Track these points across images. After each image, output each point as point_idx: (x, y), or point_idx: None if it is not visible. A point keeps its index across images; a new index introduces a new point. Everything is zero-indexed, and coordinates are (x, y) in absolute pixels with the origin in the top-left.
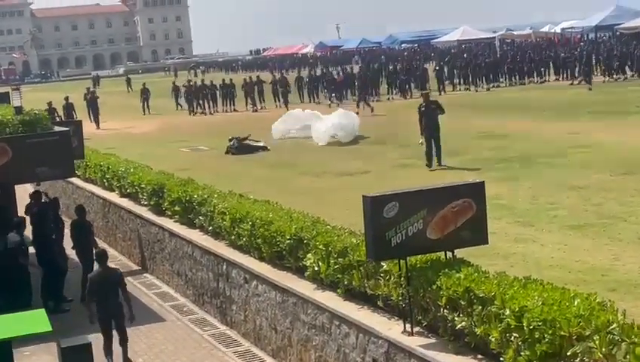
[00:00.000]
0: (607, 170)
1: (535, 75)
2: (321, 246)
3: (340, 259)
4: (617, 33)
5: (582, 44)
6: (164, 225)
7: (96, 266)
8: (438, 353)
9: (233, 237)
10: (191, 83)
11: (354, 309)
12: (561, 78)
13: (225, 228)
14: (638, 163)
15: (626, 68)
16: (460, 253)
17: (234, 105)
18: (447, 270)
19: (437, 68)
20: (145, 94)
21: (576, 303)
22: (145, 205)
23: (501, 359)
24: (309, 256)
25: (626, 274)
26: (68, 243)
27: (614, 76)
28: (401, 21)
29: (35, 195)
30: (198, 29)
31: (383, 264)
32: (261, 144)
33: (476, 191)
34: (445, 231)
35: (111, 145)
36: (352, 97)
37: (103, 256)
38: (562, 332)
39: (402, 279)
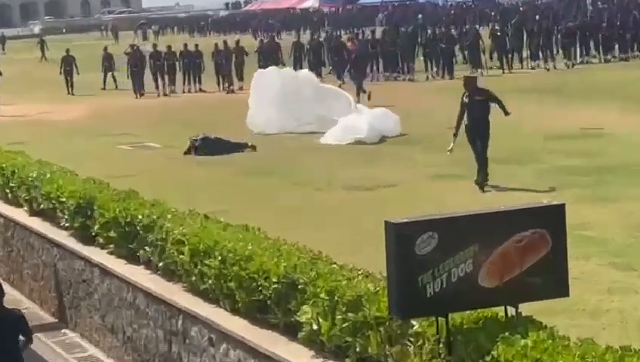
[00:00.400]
0: None
1: None
2: (322, 295)
3: (350, 315)
4: None
5: None
6: (92, 259)
7: None
8: None
9: (194, 278)
10: (135, 48)
11: None
12: None
13: (182, 265)
14: None
15: None
16: (526, 308)
17: (200, 82)
18: (507, 334)
19: (498, 33)
20: (68, 65)
21: None
22: (66, 228)
23: None
24: (305, 308)
25: None
26: None
27: None
28: None
29: None
30: None
31: (413, 323)
32: (244, 141)
33: (553, 217)
34: (506, 276)
35: (17, 138)
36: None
37: None
38: None
39: (441, 346)
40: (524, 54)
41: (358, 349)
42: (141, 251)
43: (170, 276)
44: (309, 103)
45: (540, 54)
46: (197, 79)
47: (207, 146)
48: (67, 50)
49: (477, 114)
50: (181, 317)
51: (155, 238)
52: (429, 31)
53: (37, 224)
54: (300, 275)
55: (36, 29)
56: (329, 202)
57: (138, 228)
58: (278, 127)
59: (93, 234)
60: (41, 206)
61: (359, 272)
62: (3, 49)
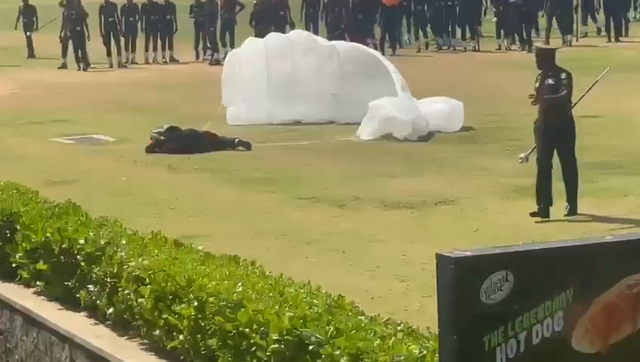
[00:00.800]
0: None
1: None
2: (344, 360)
3: None
4: None
5: None
6: (13, 301)
7: None
8: None
9: (158, 331)
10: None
11: None
12: None
13: (142, 313)
14: None
15: None
16: None
17: (171, 48)
18: None
19: None
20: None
21: None
22: None
23: None
24: None
25: None
26: None
27: None
28: None
29: None
30: None
31: None
32: (238, 138)
33: None
34: (612, 337)
35: None
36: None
37: None
38: None
39: None
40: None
41: None
42: (83, 291)
43: (123, 328)
44: (326, 81)
45: None
46: (167, 44)
47: (177, 141)
48: None
49: (552, 104)
50: None
51: (104, 273)
52: None
53: None
54: (311, 330)
55: None
56: (352, 224)
57: (79, 257)
58: (272, 116)
59: (15, 265)
60: None
61: (398, 328)
62: None
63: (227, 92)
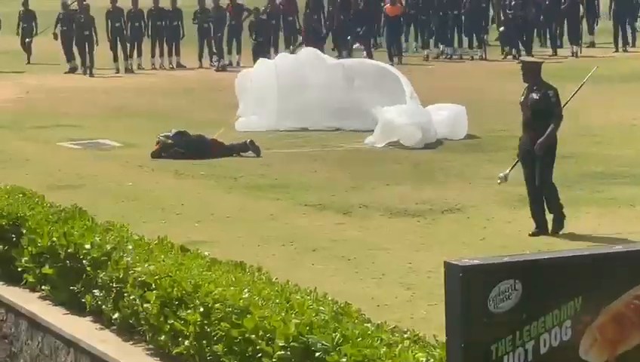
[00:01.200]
0: None
1: None
2: None
3: None
4: None
5: None
6: (18, 306)
7: None
8: None
9: (164, 337)
10: (70, 5)
11: None
12: None
13: (148, 318)
14: None
15: None
16: None
17: (178, 54)
18: None
19: None
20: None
21: None
22: None
23: None
24: None
25: None
26: None
27: None
28: None
29: None
30: None
31: None
32: (243, 141)
33: None
34: (620, 347)
35: None
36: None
37: None
38: None
39: None
40: None
41: None
42: (88, 296)
43: (129, 333)
44: (334, 95)
45: None
46: (174, 49)
47: (185, 146)
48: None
49: (534, 124)
50: None
51: (109, 278)
52: None
53: None
54: (317, 338)
55: None
56: (357, 231)
57: (85, 262)
58: (280, 123)
59: (20, 269)
60: None
61: (405, 336)
62: None
63: (241, 104)
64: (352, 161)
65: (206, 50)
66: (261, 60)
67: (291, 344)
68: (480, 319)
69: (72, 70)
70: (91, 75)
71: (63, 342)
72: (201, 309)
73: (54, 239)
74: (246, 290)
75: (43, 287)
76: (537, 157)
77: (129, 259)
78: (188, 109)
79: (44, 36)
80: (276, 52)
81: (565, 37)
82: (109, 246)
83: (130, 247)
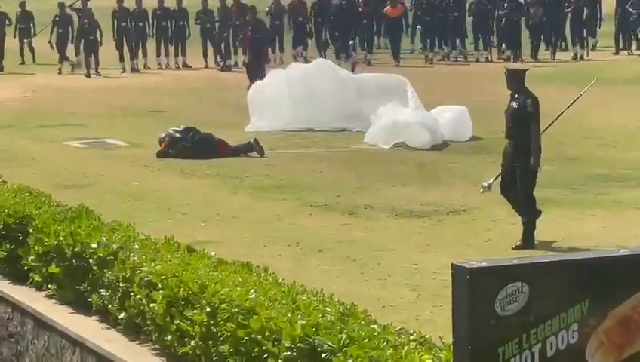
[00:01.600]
0: None
1: None
2: None
3: None
4: None
5: None
6: (24, 304)
7: None
8: None
9: (170, 337)
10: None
11: None
12: None
13: (154, 318)
14: None
15: None
16: None
17: (184, 54)
18: None
19: None
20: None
21: None
22: None
23: None
24: None
25: None
26: None
27: None
28: None
29: None
30: None
31: None
32: (248, 141)
33: None
34: (626, 350)
35: None
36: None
37: None
38: None
39: None
40: None
41: None
42: (94, 296)
43: (135, 333)
44: (343, 105)
45: None
46: (180, 49)
47: (193, 142)
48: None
49: (515, 133)
50: None
51: (116, 278)
52: None
53: None
54: (323, 337)
55: None
56: (362, 232)
57: (91, 261)
58: (289, 123)
59: (26, 268)
60: None
61: (411, 337)
62: None
63: (252, 111)
64: (357, 161)
65: (210, 51)
66: (272, 72)
67: (297, 345)
68: (487, 322)
69: (73, 68)
70: (98, 74)
71: (69, 342)
72: (208, 309)
73: (61, 238)
74: (252, 291)
75: (49, 286)
76: (520, 168)
77: (135, 258)
78: (194, 109)
79: (42, 36)
80: (281, 51)
81: (568, 39)
82: (115, 246)
83: (137, 247)
